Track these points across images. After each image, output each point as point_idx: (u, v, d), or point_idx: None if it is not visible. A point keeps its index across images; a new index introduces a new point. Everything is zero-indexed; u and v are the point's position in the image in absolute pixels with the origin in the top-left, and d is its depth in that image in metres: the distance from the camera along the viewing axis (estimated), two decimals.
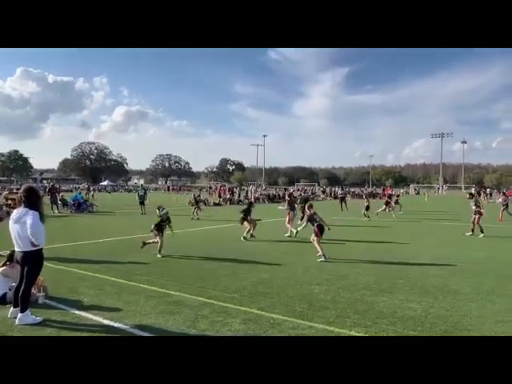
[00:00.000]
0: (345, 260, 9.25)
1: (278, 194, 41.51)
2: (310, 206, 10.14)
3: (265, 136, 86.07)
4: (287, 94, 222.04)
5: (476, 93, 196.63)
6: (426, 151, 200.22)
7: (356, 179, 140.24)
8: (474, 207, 13.66)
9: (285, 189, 48.23)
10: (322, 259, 9.03)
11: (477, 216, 13.40)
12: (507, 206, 19.56)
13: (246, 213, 12.38)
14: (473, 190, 49.33)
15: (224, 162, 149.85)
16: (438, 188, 74.84)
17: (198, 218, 18.47)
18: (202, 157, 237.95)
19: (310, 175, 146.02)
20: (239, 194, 39.21)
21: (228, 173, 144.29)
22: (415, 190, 78.52)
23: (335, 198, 46.80)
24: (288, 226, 13.30)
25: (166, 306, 5.69)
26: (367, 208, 20.04)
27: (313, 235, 9.56)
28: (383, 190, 51.53)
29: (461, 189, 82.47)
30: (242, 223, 12.36)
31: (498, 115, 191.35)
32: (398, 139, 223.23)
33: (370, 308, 5.71)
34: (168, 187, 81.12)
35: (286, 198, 15.35)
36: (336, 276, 7.64)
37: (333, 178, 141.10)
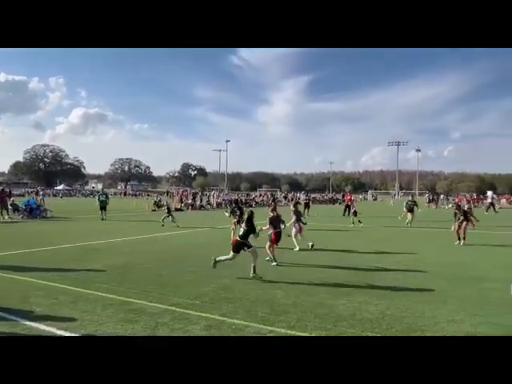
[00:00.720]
0: (307, 264, 9.39)
1: (241, 200, 41.52)
2: (274, 209, 10.06)
3: (227, 141, 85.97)
4: (250, 100, 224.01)
5: (429, 104, 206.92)
6: (383, 158, 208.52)
7: (316, 185, 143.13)
8: (461, 217, 13.27)
9: (247, 194, 48.27)
10: (274, 263, 9.21)
11: (465, 223, 13.15)
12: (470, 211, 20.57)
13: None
14: (421, 197, 51.35)
15: (186, 166, 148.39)
16: (395, 194, 77.89)
17: (178, 226, 17.67)
18: (163, 161, 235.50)
19: (272, 181, 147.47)
20: (201, 200, 38.84)
21: (190, 178, 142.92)
22: (373, 195, 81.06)
23: (297, 203, 47.29)
24: (297, 237, 11.76)
25: (124, 314, 5.53)
26: (355, 213, 19.93)
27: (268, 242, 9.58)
28: (343, 195, 52.79)
29: (415, 195, 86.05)
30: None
31: (449, 125, 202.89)
32: (356, 147, 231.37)
33: (330, 311, 5.82)
34: (125, 192, 78.80)
35: (292, 208, 12.50)
36: (296, 280, 7.73)
37: (294, 184, 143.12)
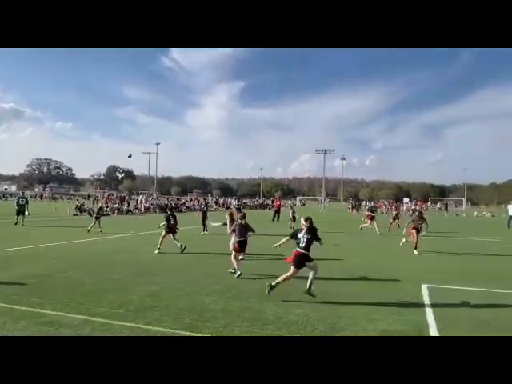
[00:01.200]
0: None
1: (170, 204, 40.63)
2: (243, 217, 9.27)
3: (157, 144, 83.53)
4: (181, 103, 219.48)
5: (355, 115, 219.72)
6: (311, 166, 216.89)
7: (247, 190, 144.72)
8: (423, 225, 13.35)
9: (177, 199, 47.43)
10: (237, 274, 8.42)
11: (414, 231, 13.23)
12: (398, 217, 21.68)
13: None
14: (345, 203, 54.20)
15: (112, 169, 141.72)
16: (321, 200, 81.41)
17: (101, 231, 16.61)
18: (87, 163, 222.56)
19: (204, 185, 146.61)
20: (128, 204, 37.34)
21: (117, 181, 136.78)
22: (301, 201, 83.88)
23: (228, 208, 47.55)
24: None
25: (38, 327, 5.09)
26: (294, 219, 19.85)
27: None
28: (272, 201, 54.02)
29: (340, 201, 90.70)
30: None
31: (371, 136, 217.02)
32: (286, 153, 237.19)
33: (258, 315, 5.89)
34: (41, 195, 72.78)
35: (227, 217, 11.39)
36: (226, 285, 7.72)
37: (226, 189, 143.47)
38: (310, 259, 6.86)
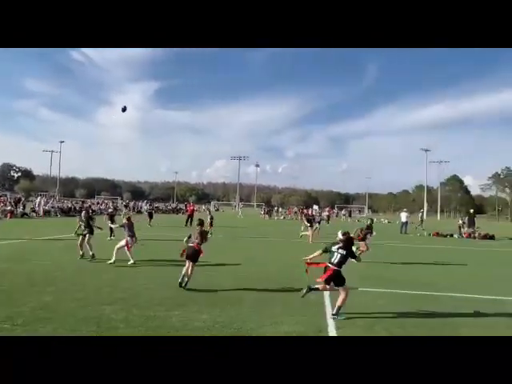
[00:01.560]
0: (142, 276, 9.05)
1: (74, 207, 37.89)
2: (201, 224, 8.77)
3: (62, 142, 77.37)
4: (89, 99, 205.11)
5: (269, 124, 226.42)
6: (226, 171, 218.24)
7: (161, 194, 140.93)
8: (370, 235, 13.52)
9: (82, 202, 44.39)
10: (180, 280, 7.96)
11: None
12: (318, 223, 22.18)
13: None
14: (258, 208, 55.51)
15: (6, 167, 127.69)
16: (236, 205, 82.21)
17: None
18: None
19: (113, 188, 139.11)
20: (24, 206, 33.88)
21: (12, 180, 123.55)
22: (215, 206, 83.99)
23: (138, 212, 45.86)
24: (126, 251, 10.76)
25: None
26: (211, 224, 19.34)
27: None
28: (186, 205, 53.22)
29: (253, 207, 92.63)
30: None
31: (284, 144, 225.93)
32: (201, 158, 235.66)
33: (163, 323, 5.72)
34: None
35: (125, 221, 11.33)
36: (130, 294, 7.37)
37: (137, 192, 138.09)
38: (340, 279, 6.53)
